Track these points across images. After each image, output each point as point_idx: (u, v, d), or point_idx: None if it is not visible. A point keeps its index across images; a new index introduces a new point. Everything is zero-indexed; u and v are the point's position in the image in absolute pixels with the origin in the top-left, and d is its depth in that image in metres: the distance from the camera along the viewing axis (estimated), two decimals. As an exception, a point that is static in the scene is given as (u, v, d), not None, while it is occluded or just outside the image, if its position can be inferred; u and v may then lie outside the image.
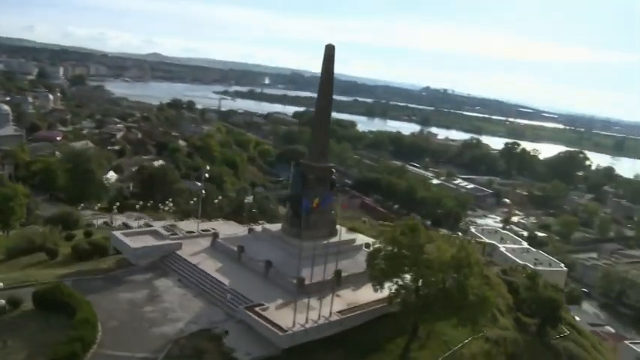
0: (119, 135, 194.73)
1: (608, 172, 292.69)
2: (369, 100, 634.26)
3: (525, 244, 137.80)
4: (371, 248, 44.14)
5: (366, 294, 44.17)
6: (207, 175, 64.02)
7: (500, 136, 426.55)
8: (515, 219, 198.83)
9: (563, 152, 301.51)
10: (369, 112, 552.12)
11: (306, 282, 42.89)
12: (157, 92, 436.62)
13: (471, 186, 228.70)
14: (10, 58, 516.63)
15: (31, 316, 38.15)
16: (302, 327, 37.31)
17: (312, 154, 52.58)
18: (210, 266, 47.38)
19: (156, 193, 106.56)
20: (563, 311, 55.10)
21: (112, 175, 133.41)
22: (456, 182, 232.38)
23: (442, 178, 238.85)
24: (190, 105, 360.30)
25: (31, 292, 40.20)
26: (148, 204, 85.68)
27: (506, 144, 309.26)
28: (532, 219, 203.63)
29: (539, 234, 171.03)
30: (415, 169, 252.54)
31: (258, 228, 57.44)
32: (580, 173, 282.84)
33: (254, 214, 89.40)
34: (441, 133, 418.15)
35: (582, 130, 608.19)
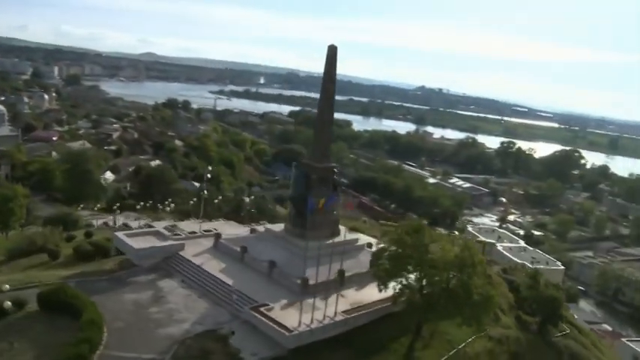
0: (115, 135, 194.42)
1: (604, 170, 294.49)
2: (364, 100, 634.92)
3: (522, 243, 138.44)
4: (375, 248, 44.26)
5: (370, 294, 44.35)
6: (209, 175, 63.97)
7: (495, 135, 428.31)
8: (511, 218, 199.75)
9: (558, 151, 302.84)
10: (365, 111, 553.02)
11: (310, 282, 42.99)
12: (152, 92, 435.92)
13: (467, 185, 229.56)
14: (4, 57, 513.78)
15: (36, 317, 38.12)
16: (307, 327, 37.46)
17: (315, 154, 52.68)
18: (214, 267, 47.44)
19: (154, 193, 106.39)
20: (563, 309, 55.47)
21: (109, 176, 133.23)
22: (452, 181, 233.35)
23: (438, 177, 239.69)
24: (186, 105, 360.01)
25: (35, 293, 40.20)
26: (147, 204, 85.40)
27: (502, 143, 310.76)
28: (528, 218, 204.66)
29: (536, 233, 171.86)
30: (411, 168, 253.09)
31: (260, 228, 57.62)
32: (575, 172, 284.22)
33: (253, 213, 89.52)
34: (437, 133, 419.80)
35: (577, 128, 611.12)
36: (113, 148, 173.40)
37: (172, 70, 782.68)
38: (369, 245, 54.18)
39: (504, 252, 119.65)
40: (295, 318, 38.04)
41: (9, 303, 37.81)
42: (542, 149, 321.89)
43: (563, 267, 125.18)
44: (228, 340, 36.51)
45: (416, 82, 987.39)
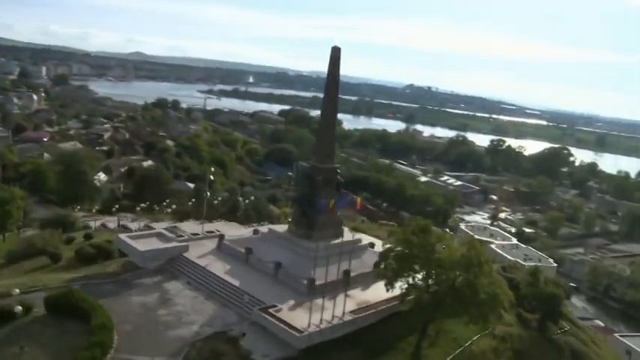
0: (106, 135, 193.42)
1: (592, 167, 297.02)
2: (353, 98, 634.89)
3: (515, 241, 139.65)
4: (376, 248, 44.62)
5: (375, 293, 44.81)
6: (211, 177, 63.92)
7: (484, 133, 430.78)
8: (502, 215, 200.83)
9: (547, 148, 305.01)
10: (355, 110, 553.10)
11: (317, 282, 43.26)
12: (141, 92, 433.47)
13: (458, 183, 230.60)
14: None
15: (44, 321, 38.00)
16: (317, 327, 37.78)
17: (319, 155, 52.90)
18: (219, 268, 47.54)
19: (148, 194, 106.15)
20: (562, 306, 56.17)
21: (102, 177, 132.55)
22: (443, 179, 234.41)
23: (429, 175, 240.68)
24: (175, 104, 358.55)
25: (41, 296, 40.09)
26: (144, 205, 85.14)
27: (492, 141, 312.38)
28: (519, 215, 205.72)
29: (527, 230, 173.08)
30: (402, 166, 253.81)
31: (263, 229, 57.71)
32: (564, 169, 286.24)
33: (249, 214, 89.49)
34: (427, 131, 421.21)
35: (565, 126, 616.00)
36: (105, 148, 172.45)
37: (161, 70, 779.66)
38: (372, 245, 54.59)
39: (498, 250, 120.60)
40: (304, 319, 38.31)
41: (20, 307, 37.69)
42: (531, 147, 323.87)
43: (555, 264, 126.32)
44: (239, 342, 36.69)
45: (404, 80, 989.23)
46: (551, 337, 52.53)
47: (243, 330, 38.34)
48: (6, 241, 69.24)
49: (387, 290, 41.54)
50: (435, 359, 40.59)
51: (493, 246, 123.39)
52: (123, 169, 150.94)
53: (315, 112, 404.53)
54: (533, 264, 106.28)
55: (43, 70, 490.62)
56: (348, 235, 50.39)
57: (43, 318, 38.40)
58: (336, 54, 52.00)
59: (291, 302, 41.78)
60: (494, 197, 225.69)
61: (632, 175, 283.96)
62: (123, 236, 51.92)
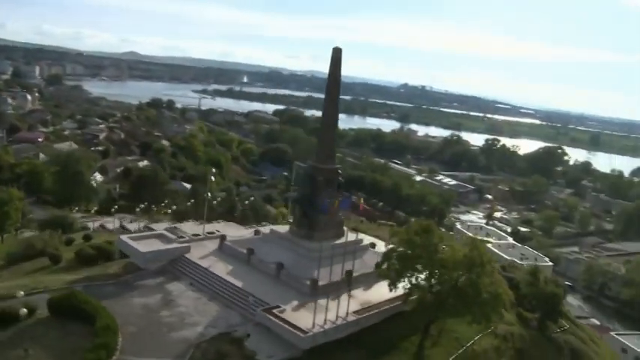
0: (102, 136, 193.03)
1: (586, 166, 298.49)
2: (347, 98, 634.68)
3: (511, 240, 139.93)
4: (384, 248, 44.76)
5: (378, 293, 44.99)
6: (213, 178, 63.89)
7: (479, 132, 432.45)
8: (497, 214, 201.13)
9: (542, 148, 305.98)
10: (349, 109, 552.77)
11: (320, 283, 43.38)
12: (136, 91, 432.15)
13: (454, 182, 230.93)
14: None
15: (48, 323, 37.89)
16: (321, 328, 37.87)
17: (320, 156, 53.03)
18: (221, 269, 47.55)
19: (146, 194, 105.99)
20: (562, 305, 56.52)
21: (98, 177, 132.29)
22: (438, 179, 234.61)
23: (424, 174, 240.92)
24: (170, 104, 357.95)
25: (44, 298, 40.05)
26: (143, 206, 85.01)
27: (487, 140, 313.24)
28: (514, 214, 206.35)
29: (523, 229, 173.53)
30: (397, 166, 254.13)
31: (265, 230, 57.74)
32: (559, 168, 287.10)
33: (247, 214, 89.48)
34: (421, 130, 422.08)
35: (559, 125, 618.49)
36: (100, 148, 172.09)
37: (155, 70, 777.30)
38: (373, 245, 54.74)
39: (494, 249, 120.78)
40: (308, 319, 38.41)
41: (25, 310, 37.58)
42: (525, 146, 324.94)
43: (551, 263, 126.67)
44: (244, 343, 36.72)
45: (398, 79, 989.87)
46: (550, 335, 52.85)
47: (247, 331, 38.35)
48: (4, 243, 69.10)
49: (390, 290, 41.66)
50: (438, 359, 40.76)
51: (490, 245, 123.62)
52: (119, 170, 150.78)
53: (310, 112, 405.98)
54: (529, 263, 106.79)
55: (37, 69, 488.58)
56: (349, 235, 50.38)
57: (46, 320, 38.29)
58: (337, 55, 52.15)
59: (295, 303, 41.84)
60: (490, 196, 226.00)
61: (626, 174, 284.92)
62: (124, 237, 51.88)
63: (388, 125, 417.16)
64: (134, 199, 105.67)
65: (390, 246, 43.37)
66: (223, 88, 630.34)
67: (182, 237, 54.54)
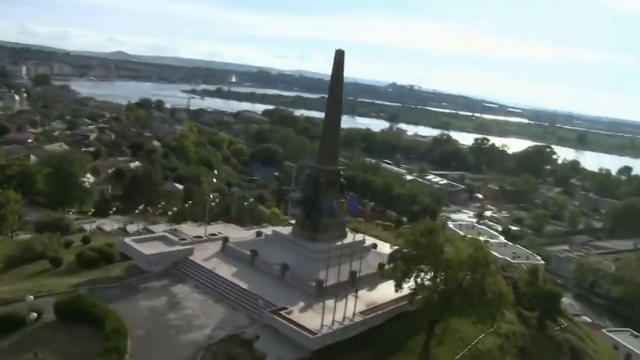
0: (92, 136, 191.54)
1: (574, 165, 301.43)
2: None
3: (502, 239, 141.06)
4: (389, 249, 45.14)
5: (382, 294, 45.37)
6: (214, 179, 63.83)
7: (467, 132, 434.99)
8: (488, 213, 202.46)
9: (531, 147, 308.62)
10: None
11: (325, 284, 43.65)
12: (124, 91, 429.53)
13: (444, 182, 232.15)
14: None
15: (55, 327, 37.75)
16: (329, 329, 38.13)
17: (323, 157, 53.30)
18: (226, 271, 47.65)
19: (140, 196, 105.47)
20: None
21: (89, 178, 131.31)
22: (428, 178, 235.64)
23: (415, 174, 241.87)
24: (159, 104, 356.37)
25: (49, 302, 39.87)
26: (142, 208, 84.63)
27: (476, 139, 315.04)
28: (504, 213, 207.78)
29: (513, 228, 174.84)
30: (388, 165, 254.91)
31: (267, 231, 57.85)
32: (548, 167, 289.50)
33: (242, 215, 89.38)
34: (410, 130, 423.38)
35: (546, 124, 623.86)
36: (91, 149, 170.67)
37: (143, 70, 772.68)
38: (374, 246, 55.10)
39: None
40: (315, 320, 38.68)
41: (35, 314, 37.47)
42: (514, 145, 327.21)
43: (543, 261, 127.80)
44: (253, 345, 36.86)
45: (387, 79, 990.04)
46: (550, 334, 53.57)
47: (257, 333, 38.49)
48: (0, 245, 68.50)
49: (396, 291, 42.04)
50: (444, 358, 41.22)
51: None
52: (110, 171, 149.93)
53: (299, 112, 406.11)
54: (521, 262, 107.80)
55: (23, 69, 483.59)
56: (351, 236, 50.78)
57: (53, 324, 38.13)
58: (339, 57, 52.46)
59: (301, 304, 42.07)
60: (480, 195, 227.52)
61: (614, 172, 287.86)
62: (127, 240, 51.76)
63: (377, 125, 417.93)
64: (128, 200, 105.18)
65: (395, 247, 43.69)
66: (212, 88, 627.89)
67: (184, 239, 54.50)
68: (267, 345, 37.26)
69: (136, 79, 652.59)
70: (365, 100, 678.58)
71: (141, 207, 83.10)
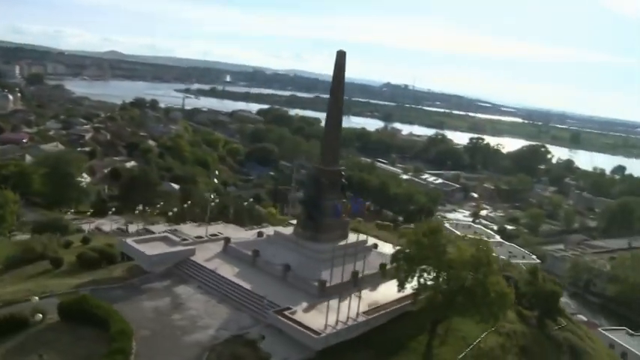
0: (88, 136, 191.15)
1: (569, 164, 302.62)
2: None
3: (498, 238, 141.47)
4: (392, 249, 45.36)
5: (384, 294, 45.56)
6: (216, 180, 63.95)
7: (462, 131, 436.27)
8: (483, 213, 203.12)
9: (525, 146, 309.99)
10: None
11: (328, 284, 43.81)
12: (118, 91, 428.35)
13: (439, 181, 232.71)
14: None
15: (58, 328, 37.67)
16: (333, 329, 38.27)
17: (325, 158, 53.38)
18: (228, 271, 47.71)
19: (137, 196, 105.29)
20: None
21: (86, 178, 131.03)
22: (424, 177, 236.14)
23: (410, 173, 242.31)
24: (154, 104, 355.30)
25: (51, 302, 39.83)
26: (141, 208, 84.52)
27: (471, 139, 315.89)
28: (500, 212, 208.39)
29: (509, 227, 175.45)
30: (383, 165, 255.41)
31: (269, 231, 57.93)
32: (542, 166, 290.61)
33: (240, 215, 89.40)
34: (405, 129, 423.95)
35: (540, 123, 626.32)
36: (87, 149, 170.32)
37: (137, 69, 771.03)
38: (375, 246, 55.29)
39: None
40: (319, 320, 38.80)
41: (40, 315, 37.44)
42: (508, 144, 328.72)
43: (539, 260, 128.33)
44: (259, 345, 36.96)
45: (381, 78, 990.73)
46: (550, 333, 53.82)
47: (261, 333, 38.57)
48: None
49: (399, 291, 42.25)
50: (447, 358, 41.42)
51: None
52: (106, 171, 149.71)
53: (294, 111, 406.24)
54: (517, 261, 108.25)
55: (17, 69, 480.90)
56: (352, 236, 50.89)
57: (56, 325, 38.06)
58: (341, 59, 52.76)
59: (304, 304, 42.21)
60: (475, 195, 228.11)
61: (607, 171, 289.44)
62: (129, 240, 51.68)
63: (372, 124, 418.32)
64: (126, 200, 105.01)
65: (397, 247, 43.90)
66: (206, 87, 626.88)
67: (185, 239, 54.54)
68: (271, 345, 37.34)
69: (130, 79, 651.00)
70: (360, 99, 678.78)
71: (139, 207, 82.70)
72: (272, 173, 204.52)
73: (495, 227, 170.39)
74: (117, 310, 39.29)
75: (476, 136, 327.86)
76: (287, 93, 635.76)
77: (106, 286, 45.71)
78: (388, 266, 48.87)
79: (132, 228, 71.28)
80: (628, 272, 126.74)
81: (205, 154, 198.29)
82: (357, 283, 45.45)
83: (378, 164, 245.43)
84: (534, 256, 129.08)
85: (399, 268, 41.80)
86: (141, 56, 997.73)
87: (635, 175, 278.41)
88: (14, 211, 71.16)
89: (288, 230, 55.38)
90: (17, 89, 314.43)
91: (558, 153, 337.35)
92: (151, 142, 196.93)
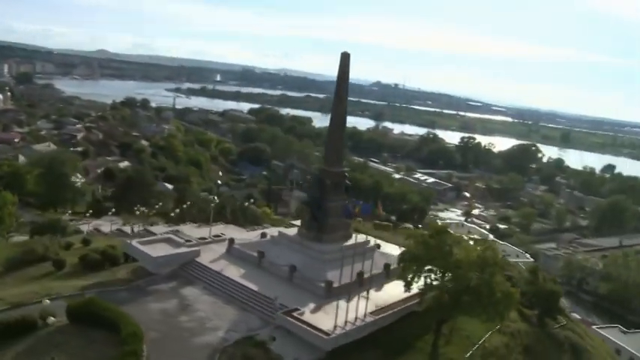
0: (80, 136, 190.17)
1: (559, 163, 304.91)
2: (320, 96, 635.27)
3: (491, 237, 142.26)
4: (399, 250, 45.71)
5: (389, 294, 45.93)
6: (219, 181, 64.01)
7: (453, 130, 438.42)
8: (475, 212, 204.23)
9: (516, 145, 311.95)
10: (323, 107, 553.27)
11: (334, 285, 44.04)
12: (109, 90, 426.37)
13: (431, 180, 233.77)
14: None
15: (68, 330, 37.45)
16: (342, 329, 38.51)
17: (329, 159, 53.60)
18: (234, 272, 47.79)
19: (133, 196, 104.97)
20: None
21: (80, 178, 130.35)
22: (416, 177, 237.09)
23: (402, 173, 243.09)
24: (144, 103, 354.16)
25: (58, 305, 39.65)
26: (136, 208, 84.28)
27: (463, 138, 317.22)
28: (491, 211, 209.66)
29: (501, 226, 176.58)
30: (375, 164, 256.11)
31: (273, 232, 58.02)
32: (533, 165, 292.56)
33: (237, 215, 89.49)
34: (396, 128, 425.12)
35: (530, 123, 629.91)
36: (79, 149, 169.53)
37: (127, 68, 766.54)
38: (378, 246, 55.59)
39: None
40: (327, 321, 39.03)
41: (52, 318, 37.31)
42: (499, 143, 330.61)
43: (532, 259, 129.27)
44: (269, 346, 37.08)
45: (371, 77, 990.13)
46: (550, 332, 54.46)
47: (272, 334, 38.68)
48: (-1, 248, 67.83)
49: (405, 291, 42.58)
50: (453, 357, 41.83)
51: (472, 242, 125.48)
52: (99, 171, 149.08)
53: (285, 111, 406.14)
54: (512, 260, 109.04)
55: (5, 67, 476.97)
56: (356, 237, 51.08)
57: (65, 327, 37.84)
58: (345, 60, 52.87)
59: (312, 305, 42.43)
60: (467, 194, 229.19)
61: (597, 170, 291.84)
62: (134, 242, 51.56)
63: (363, 123, 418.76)
64: (121, 200, 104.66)
65: (403, 248, 44.25)
66: (196, 86, 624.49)
67: (189, 241, 54.54)
68: (282, 346, 37.49)
69: (120, 78, 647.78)
70: (350, 98, 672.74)
71: (137, 208, 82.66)
72: (265, 173, 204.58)
73: (488, 226, 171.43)
74: (125, 312, 39.29)
75: (467, 135, 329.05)
76: (277, 92, 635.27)
77: (111, 288, 45.61)
78: (392, 266, 49.21)
79: (135, 229, 70.98)
80: (620, 270, 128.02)
81: (198, 153, 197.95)
82: (362, 284, 45.69)
83: (371, 164, 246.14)
84: (528, 255, 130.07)
85: (406, 268, 42.08)
86: (130, 55, 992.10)
87: (625, 173, 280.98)
88: (12, 212, 70.63)
89: (292, 231, 55.53)
90: (7, 88, 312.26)
91: (549, 152, 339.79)
92: (144, 142, 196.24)
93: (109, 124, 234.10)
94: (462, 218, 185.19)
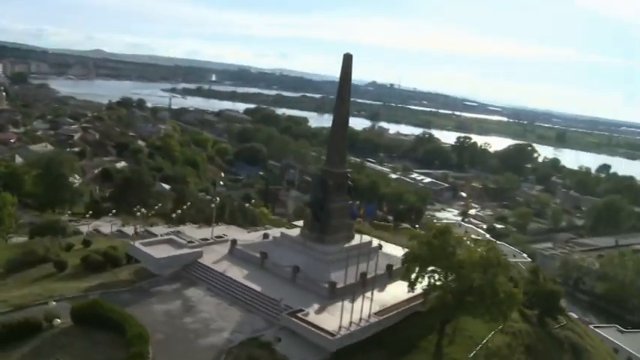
0: (76, 136, 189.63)
1: (555, 163, 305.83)
2: (316, 96, 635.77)
3: (488, 237, 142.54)
4: (402, 251, 45.86)
5: (393, 294, 46.05)
6: (222, 182, 63.94)
7: (449, 130, 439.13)
8: (472, 212, 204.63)
9: (512, 145, 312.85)
10: (319, 107, 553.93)
11: (338, 285, 44.15)
12: (104, 90, 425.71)
13: (428, 180, 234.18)
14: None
15: (72, 332, 37.37)
16: (347, 330, 38.62)
17: (331, 160, 53.69)
18: (237, 274, 47.81)
19: (132, 197, 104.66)
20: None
21: (78, 179, 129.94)
22: (412, 177, 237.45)
23: (399, 173, 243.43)
24: (140, 103, 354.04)
25: (62, 307, 39.66)
26: (137, 209, 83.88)
27: (459, 138, 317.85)
28: (488, 211, 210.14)
29: (498, 226, 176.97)
30: (371, 164, 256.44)
31: (275, 233, 58.08)
32: (529, 165, 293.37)
33: (235, 215, 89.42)
34: (392, 128, 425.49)
35: (526, 122, 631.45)
36: (76, 149, 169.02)
37: (123, 68, 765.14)
38: (380, 247, 55.73)
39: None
40: (332, 322, 39.14)
41: (58, 320, 37.26)
42: (495, 143, 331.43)
43: (530, 259, 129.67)
44: (275, 347, 37.17)
45: (367, 77, 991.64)
46: (551, 331, 54.73)
47: (277, 335, 38.76)
48: (-2, 249, 67.55)
49: (409, 291, 42.73)
50: (456, 356, 42.01)
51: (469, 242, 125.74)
52: (96, 171, 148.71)
53: (281, 111, 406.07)
54: (510, 260, 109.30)
55: (0, 67, 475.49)
56: (357, 237, 51.25)
57: (70, 329, 37.76)
58: (347, 61, 53.05)
59: (316, 306, 42.52)
60: (463, 194, 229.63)
61: (593, 170, 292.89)
62: (137, 243, 51.50)
63: (359, 123, 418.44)
64: (120, 201, 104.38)
65: (407, 249, 44.41)
66: (192, 86, 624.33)
67: (192, 242, 54.52)
68: (287, 347, 37.57)
69: (115, 78, 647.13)
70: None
71: (136, 208, 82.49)
72: (261, 173, 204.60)
73: (484, 226, 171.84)
74: (129, 313, 39.27)
75: (463, 135, 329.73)
76: (273, 92, 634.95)
77: (114, 289, 45.52)
78: (395, 267, 49.35)
79: (130, 230, 70.72)
80: (616, 270, 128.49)
81: (195, 153, 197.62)
82: (365, 284, 45.79)
83: (367, 164, 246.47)
84: (525, 255, 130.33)
85: (410, 268, 42.23)
86: (125, 55, 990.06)
87: (620, 173, 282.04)
88: (12, 213, 70.35)
89: (294, 232, 55.60)
90: (2, 88, 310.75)
91: (544, 152, 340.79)
92: (140, 142, 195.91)
93: (106, 124, 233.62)
94: (459, 218, 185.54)
